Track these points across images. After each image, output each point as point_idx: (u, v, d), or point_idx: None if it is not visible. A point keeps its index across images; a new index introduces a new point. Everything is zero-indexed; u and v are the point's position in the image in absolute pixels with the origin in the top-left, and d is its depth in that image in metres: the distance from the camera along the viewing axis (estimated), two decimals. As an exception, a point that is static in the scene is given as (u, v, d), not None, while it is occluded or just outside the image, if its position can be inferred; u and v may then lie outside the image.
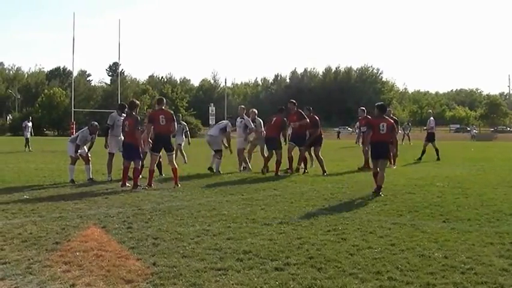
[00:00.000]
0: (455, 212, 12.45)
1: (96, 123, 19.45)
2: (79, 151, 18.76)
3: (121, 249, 8.69)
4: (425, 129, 32.17)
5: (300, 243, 9.18)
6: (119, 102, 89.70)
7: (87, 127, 19.26)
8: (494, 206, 13.21)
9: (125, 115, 18.49)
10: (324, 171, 21.36)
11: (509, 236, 9.84)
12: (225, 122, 22.87)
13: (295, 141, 21.78)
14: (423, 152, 29.63)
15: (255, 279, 7.12)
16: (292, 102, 22.62)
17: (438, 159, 29.19)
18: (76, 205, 13.28)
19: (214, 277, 7.19)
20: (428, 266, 7.79)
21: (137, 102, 18.25)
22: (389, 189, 16.27)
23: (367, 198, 14.57)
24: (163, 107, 18.00)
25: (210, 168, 21.79)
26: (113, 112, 20.14)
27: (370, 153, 17.37)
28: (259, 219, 11.44)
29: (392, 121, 16.86)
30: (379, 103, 17.34)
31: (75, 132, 74.20)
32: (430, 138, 30.57)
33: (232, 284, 6.93)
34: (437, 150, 29.74)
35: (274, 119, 21.66)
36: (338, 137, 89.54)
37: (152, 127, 17.83)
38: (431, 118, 32.14)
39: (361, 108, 26.82)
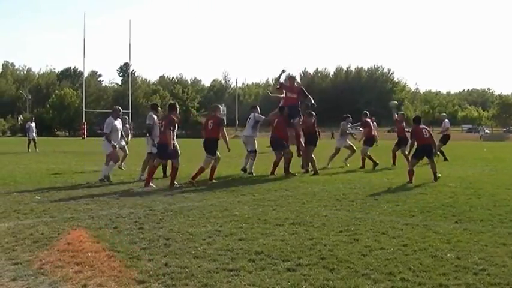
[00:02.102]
0: (468, 212, 12.41)
1: (117, 106, 19.80)
2: (115, 144, 19.11)
3: (133, 249, 8.68)
4: (441, 131, 32.15)
5: (312, 243, 9.15)
6: (130, 102, 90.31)
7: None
8: (507, 207, 13.17)
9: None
10: (316, 171, 21.53)
11: (522, 236, 9.80)
12: (251, 116, 22.71)
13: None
14: (442, 153, 29.78)
15: (267, 279, 7.10)
16: (292, 76, 22.41)
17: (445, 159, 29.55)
18: (87, 206, 13.29)
19: (226, 278, 7.16)
20: (441, 266, 7.75)
21: (177, 105, 18.84)
22: (401, 189, 16.30)
23: (379, 199, 14.54)
24: (214, 114, 19.59)
25: (244, 169, 21.86)
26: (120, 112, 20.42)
27: (414, 153, 19.66)
28: (271, 219, 11.41)
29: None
30: (415, 116, 20.79)
31: (86, 132, 74.01)
32: (444, 140, 30.76)
33: (244, 285, 6.90)
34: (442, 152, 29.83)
35: (276, 120, 21.60)
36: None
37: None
38: (446, 120, 32.30)
39: (365, 112, 27.24)
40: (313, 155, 21.77)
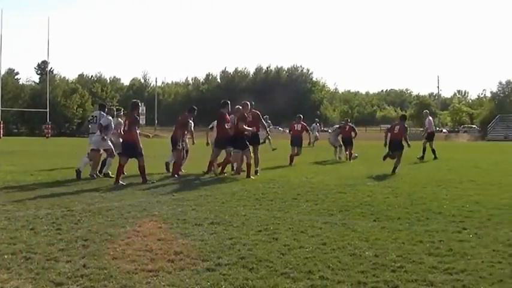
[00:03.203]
0: (386, 211, 12.62)
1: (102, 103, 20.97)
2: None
3: (50, 251, 8.54)
4: (425, 129, 32.84)
5: (231, 243, 9.18)
6: (48, 100, 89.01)
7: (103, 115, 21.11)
8: (423, 205, 13.44)
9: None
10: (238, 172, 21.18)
11: (438, 234, 10.03)
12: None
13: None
14: (424, 150, 31.07)
15: (187, 280, 7.09)
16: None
17: (435, 158, 30.73)
18: (4, 207, 12.98)
19: (145, 279, 7.13)
20: (359, 264, 7.86)
21: (138, 103, 20.21)
22: (320, 189, 16.45)
23: (298, 198, 14.64)
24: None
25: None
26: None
27: (388, 147, 23.13)
28: (190, 219, 11.37)
29: (404, 124, 23.83)
30: (401, 115, 25.80)
31: (3, 131, 72.58)
32: (430, 137, 31.91)
33: (164, 286, 6.89)
34: (434, 151, 31.00)
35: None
36: None
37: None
38: (430, 118, 32.97)
39: (298, 115, 28.43)
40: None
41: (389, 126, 25.28)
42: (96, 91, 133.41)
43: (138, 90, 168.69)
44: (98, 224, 10.80)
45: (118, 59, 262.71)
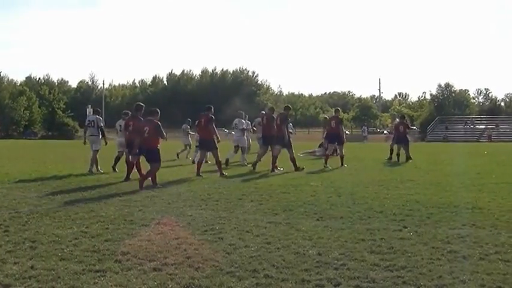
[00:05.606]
0: (329, 210, 12.78)
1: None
2: None
3: (-3, 253, 8.54)
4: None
5: (177, 243, 9.24)
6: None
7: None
8: (365, 204, 13.63)
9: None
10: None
11: (379, 232, 10.20)
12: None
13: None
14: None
15: (134, 280, 7.16)
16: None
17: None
18: (-51, 209, 12.91)
19: (92, 279, 7.18)
20: (303, 263, 8.00)
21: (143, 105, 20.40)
22: (265, 189, 16.55)
23: (243, 198, 14.75)
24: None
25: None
26: None
27: (396, 141, 30.40)
28: (137, 220, 11.43)
29: (404, 122, 31.76)
30: (401, 114, 30.13)
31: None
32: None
33: (111, 286, 6.94)
34: (398, 155, 30.58)
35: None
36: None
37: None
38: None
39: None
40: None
41: (394, 126, 32.53)
42: (44, 93, 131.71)
43: (86, 93, 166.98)
44: (46, 226, 10.79)
45: (66, 61, 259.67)
